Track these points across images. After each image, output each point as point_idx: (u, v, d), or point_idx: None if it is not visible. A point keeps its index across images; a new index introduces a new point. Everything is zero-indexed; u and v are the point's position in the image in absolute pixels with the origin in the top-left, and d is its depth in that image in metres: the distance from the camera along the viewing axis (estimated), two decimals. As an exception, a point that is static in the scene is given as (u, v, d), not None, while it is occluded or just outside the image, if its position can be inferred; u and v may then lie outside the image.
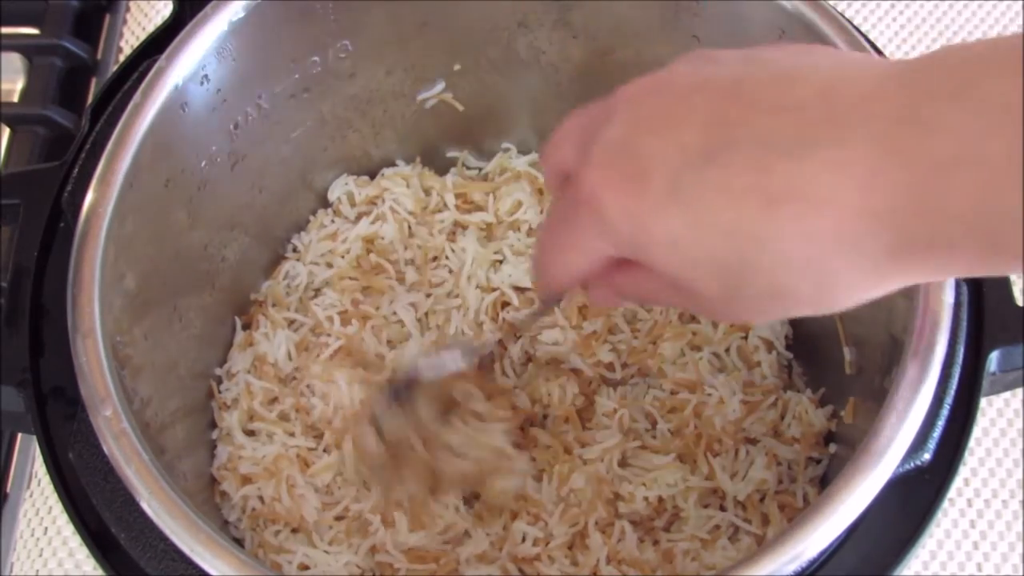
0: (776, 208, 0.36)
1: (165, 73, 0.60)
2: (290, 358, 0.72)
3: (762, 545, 0.50)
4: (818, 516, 0.48)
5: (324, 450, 0.69)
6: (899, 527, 0.53)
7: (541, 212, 0.77)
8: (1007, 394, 0.76)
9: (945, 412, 0.52)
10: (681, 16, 0.65)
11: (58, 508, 0.74)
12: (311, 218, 0.78)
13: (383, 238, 0.76)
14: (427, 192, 0.78)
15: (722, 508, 0.66)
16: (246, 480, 0.67)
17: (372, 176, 0.79)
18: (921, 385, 0.50)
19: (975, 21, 0.92)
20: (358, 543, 0.65)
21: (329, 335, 0.72)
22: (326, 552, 0.65)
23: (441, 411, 0.60)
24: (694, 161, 0.37)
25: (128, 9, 0.97)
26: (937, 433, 0.52)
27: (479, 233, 0.76)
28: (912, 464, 0.51)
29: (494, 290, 0.73)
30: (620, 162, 0.39)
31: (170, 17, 0.67)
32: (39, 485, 0.76)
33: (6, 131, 0.88)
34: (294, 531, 0.66)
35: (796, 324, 0.72)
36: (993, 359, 0.56)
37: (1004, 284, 0.58)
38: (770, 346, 0.70)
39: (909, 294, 0.53)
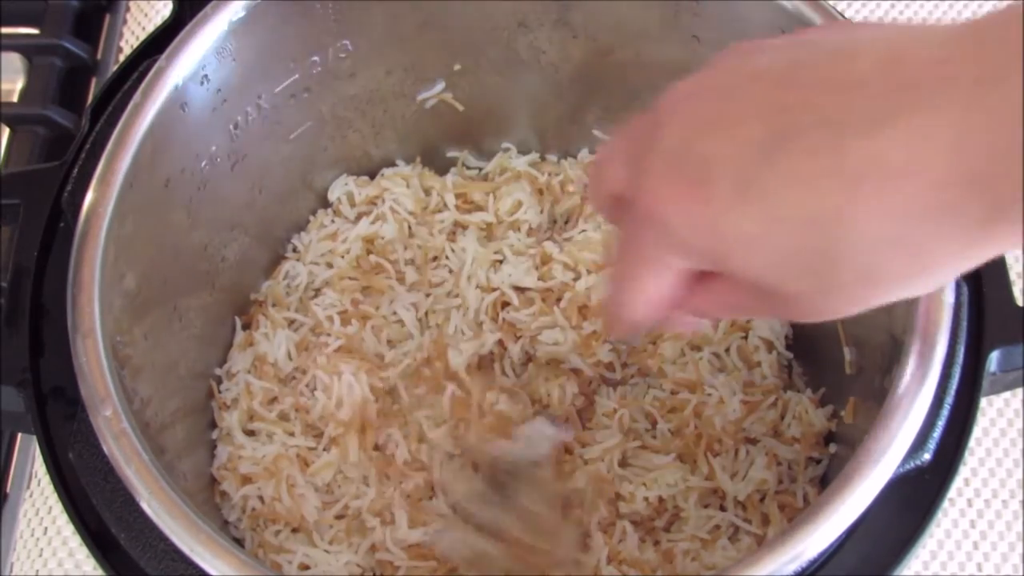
0: (855, 188, 0.34)
1: (165, 73, 0.60)
2: (290, 358, 0.72)
3: (762, 545, 0.50)
4: (818, 516, 0.48)
5: (324, 449, 0.69)
6: (899, 527, 0.53)
7: (541, 212, 0.77)
8: (1007, 394, 0.76)
9: (945, 412, 0.52)
10: (681, 16, 0.65)
11: (58, 508, 0.74)
12: (311, 218, 0.78)
13: (383, 238, 0.76)
14: (427, 192, 0.78)
15: (722, 508, 0.66)
16: (246, 480, 0.67)
17: (372, 176, 0.79)
18: (921, 385, 0.50)
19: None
20: (358, 542, 0.65)
21: (329, 335, 0.72)
22: (326, 551, 0.65)
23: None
24: (759, 155, 0.35)
25: (128, 9, 0.97)
26: (937, 433, 0.52)
27: (479, 233, 0.76)
28: (912, 464, 0.51)
29: (494, 290, 0.73)
30: (679, 170, 0.37)
31: (170, 17, 0.67)
32: (39, 485, 0.76)
33: (6, 131, 0.88)
34: (294, 531, 0.66)
35: (796, 324, 0.72)
36: (993, 359, 0.56)
37: (1004, 284, 0.58)
38: (770, 346, 0.70)
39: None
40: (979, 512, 0.72)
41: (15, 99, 0.90)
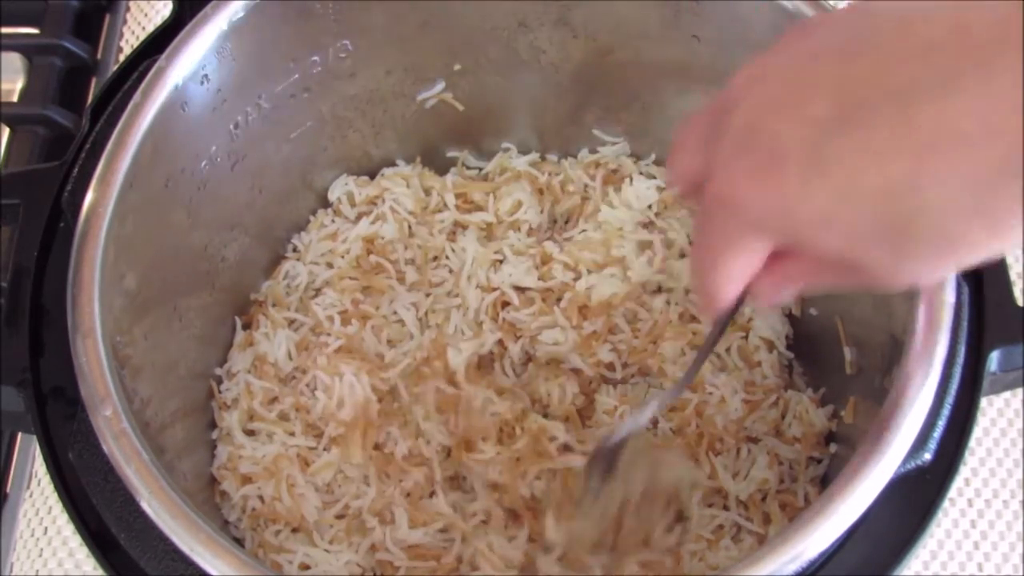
0: (929, 155, 0.34)
1: (165, 73, 0.60)
2: (290, 358, 0.72)
3: (763, 545, 0.50)
4: (819, 516, 0.48)
5: (324, 449, 0.69)
6: (899, 527, 0.53)
7: (541, 212, 0.77)
8: (1007, 394, 0.76)
9: (945, 412, 0.52)
10: (681, 16, 0.65)
11: (58, 508, 0.74)
12: (311, 218, 0.78)
13: (383, 238, 0.76)
14: (427, 192, 0.78)
15: (725, 508, 0.66)
16: (246, 480, 0.67)
17: (372, 176, 0.79)
18: (921, 385, 0.50)
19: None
20: (358, 542, 0.65)
21: (329, 335, 0.72)
22: (326, 551, 0.65)
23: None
24: (829, 130, 0.36)
25: (128, 9, 0.97)
26: (937, 433, 0.52)
27: (479, 233, 0.76)
28: (912, 464, 0.51)
29: (494, 290, 0.73)
30: (750, 153, 0.38)
31: (170, 17, 0.67)
32: (39, 485, 0.76)
33: (6, 131, 0.88)
34: (294, 531, 0.66)
35: (796, 324, 0.72)
36: (993, 359, 0.57)
37: (1004, 284, 0.58)
38: (771, 346, 0.70)
39: (909, 294, 0.53)
40: (979, 512, 0.72)
41: (15, 99, 0.90)
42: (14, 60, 0.91)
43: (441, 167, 0.80)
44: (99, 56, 0.94)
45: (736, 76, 0.40)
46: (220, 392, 0.71)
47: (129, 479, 0.50)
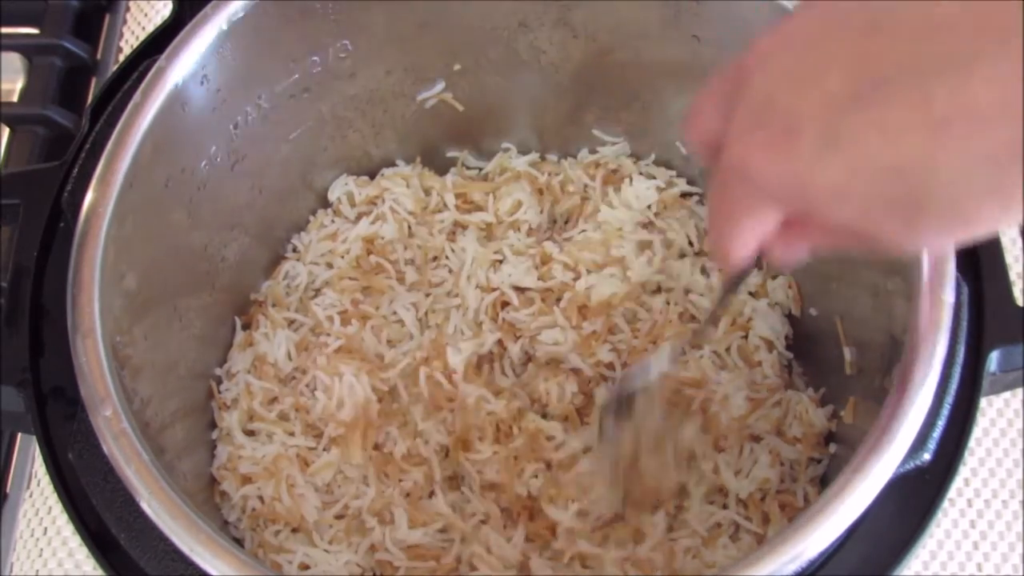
0: (943, 133, 0.34)
1: (165, 73, 0.60)
2: (290, 358, 0.72)
3: (763, 545, 0.50)
4: (819, 516, 0.48)
5: (324, 449, 0.69)
6: (899, 527, 0.53)
7: (541, 212, 0.77)
8: (1007, 394, 0.76)
9: (945, 412, 0.52)
10: (681, 16, 0.65)
11: (58, 508, 0.74)
12: (311, 218, 0.78)
13: (383, 238, 0.76)
14: (427, 192, 0.78)
15: (724, 506, 0.66)
16: (246, 480, 0.67)
17: (372, 176, 0.79)
18: (921, 385, 0.50)
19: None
20: (358, 542, 0.65)
21: (329, 335, 0.72)
22: (326, 551, 0.65)
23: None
24: (844, 106, 0.36)
25: (128, 9, 0.97)
26: (937, 433, 0.52)
27: (479, 233, 0.76)
28: (912, 464, 0.51)
29: (494, 290, 0.73)
30: (766, 123, 0.38)
31: (170, 17, 0.67)
32: (39, 485, 0.76)
33: (6, 131, 0.88)
34: (294, 531, 0.66)
35: (796, 324, 0.72)
36: (993, 359, 0.57)
37: (1004, 284, 0.58)
38: (770, 346, 0.70)
39: (909, 294, 0.53)
40: (979, 512, 0.72)
41: (15, 99, 0.90)
42: (14, 60, 0.91)
43: (441, 167, 0.80)
44: (99, 56, 0.94)
45: (753, 45, 0.41)
46: (220, 392, 0.71)
47: (129, 479, 0.50)
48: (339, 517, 0.67)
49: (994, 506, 0.72)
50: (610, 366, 0.70)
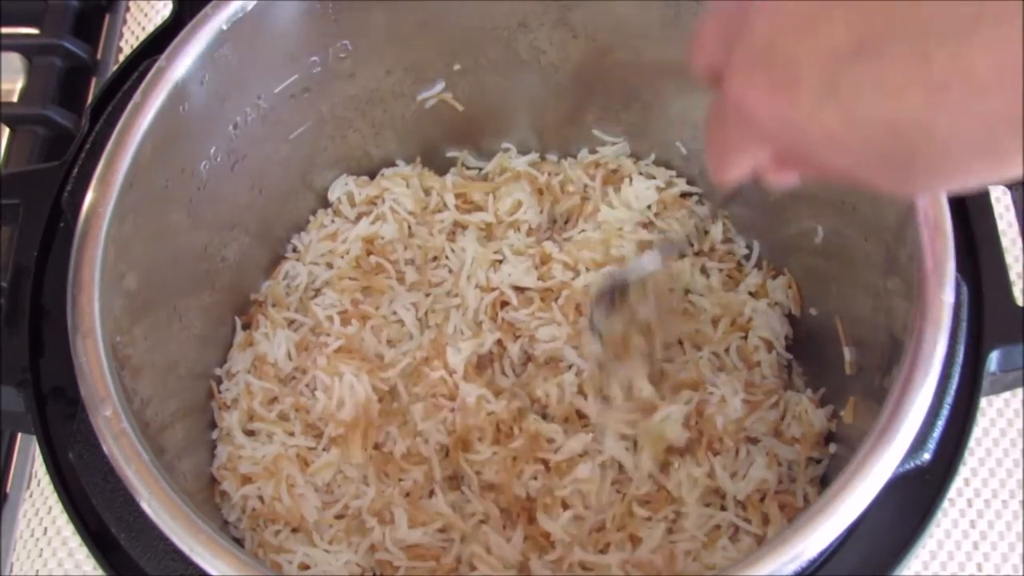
0: (941, 95, 0.34)
1: (165, 73, 0.60)
2: (290, 358, 0.72)
3: (762, 545, 0.50)
4: (818, 516, 0.48)
5: (324, 449, 0.69)
6: (899, 527, 0.53)
7: (541, 212, 0.77)
8: (1007, 394, 0.76)
9: (945, 412, 0.52)
10: (681, 16, 0.65)
11: (58, 508, 0.74)
12: (311, 218, 0.78)
13: (383, 238, 0.76)
14: (427, 192, 0.78)
15: (722, 508, 0.66)
16: (246, 480, 0.67)
17: (372, 176, 0.79)
18: (921, 385, 0.50)
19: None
20: (358, 542, 0.65)
21: (329, 335, 0.72)
22: (326, 551, 0.65)
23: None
24: (846, 59, 0.36)
25: (128, 9, 0.97)
26: (937, 433, 0.52)
27: (479, 233, 0.76)
28: (912, 464, 0.51)
29: (493, 290, 0.73)
30: (766, 67, 0.39)
31: (170, 17, 0.67)
32: (39, 485, 0.76)
33: (6, 131, 0.88)
34: (294, 531, 0.66)
35: (796, 324, 0.72)
36: (993, 359, 0.57)
37: (1004, 284, 0.58)
38: (770, 346, 0.70)
39: (909, 294, 0.53)
40: (979, 512, 0.72)
41: (15, 99, 0.90)
42: (14, 60, 0.91)
43: (441, 167, 0.80)
44: (99, 56, 0.94)
45: None
46: (220, 392, 0.71)
47: (129, 479, 0.50)
48: (339, 517, 0.67)
49: (994, 506, 0.72)
50: (610, 365, 0.70)
